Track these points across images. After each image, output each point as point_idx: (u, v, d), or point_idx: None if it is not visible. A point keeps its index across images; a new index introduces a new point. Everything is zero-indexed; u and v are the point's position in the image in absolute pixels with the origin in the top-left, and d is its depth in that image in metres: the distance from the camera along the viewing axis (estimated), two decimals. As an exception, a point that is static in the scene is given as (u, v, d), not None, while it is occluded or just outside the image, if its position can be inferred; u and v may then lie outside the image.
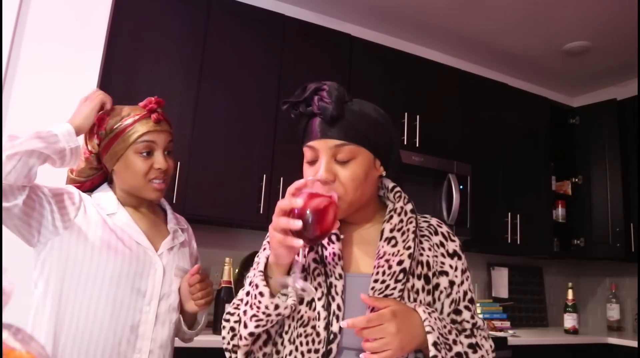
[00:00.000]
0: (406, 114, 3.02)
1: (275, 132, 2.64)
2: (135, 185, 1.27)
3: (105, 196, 1.29)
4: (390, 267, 0.95)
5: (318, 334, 0.93)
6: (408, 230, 0.99)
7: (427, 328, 0.90)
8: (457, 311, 1.02)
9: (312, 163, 0.97)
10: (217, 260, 2.71)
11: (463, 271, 1.03)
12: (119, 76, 2.35)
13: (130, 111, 1.27)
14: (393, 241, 0.98)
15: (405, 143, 2.98)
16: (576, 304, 3.35)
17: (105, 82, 2.24)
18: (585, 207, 3.62)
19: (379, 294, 0.94)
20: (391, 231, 1.00)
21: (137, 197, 1.30)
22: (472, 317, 1.02)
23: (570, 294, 3.33)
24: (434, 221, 1.09)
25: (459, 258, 1.04)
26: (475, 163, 3.20)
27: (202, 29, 2.55)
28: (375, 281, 0.95)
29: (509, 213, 3.34)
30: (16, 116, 2.04)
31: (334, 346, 0.93)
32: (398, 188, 1.06)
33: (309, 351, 0.93)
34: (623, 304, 3.65)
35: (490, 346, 1.01)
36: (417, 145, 3.02)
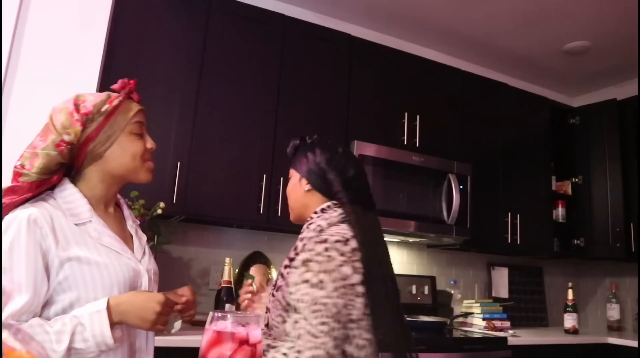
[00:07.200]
0: (406, 114, 3.02)
1: (275, 133, 2.63)
2: (132, 167, 1.20)
3: (74, 199, 1.14)
4: None
5: None
6: None
7: None
8: None
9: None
10: (217, 260, 2.71)
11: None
12: (119, 76, 2.33)
13: (109, 93, 1.21)
14: None
15: (405, 143, 2.98)
16: (576, 304, 3.34)
17: (105, 82, 2.24)
18: (585, 207, 3.62)
19: None
20: None
21: (113, 188, 1.21)
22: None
23: (570, 294, 3.33)
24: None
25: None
26: (475, 163, 3.19)
27: (202, 29, 2.55)
28: None
29: (509, 213, 3.33)
30: (16, 116, 2.04)
31: None
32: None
33: None
34: (623, 304, 3.65)
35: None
36: (417, 145, 3.02)
